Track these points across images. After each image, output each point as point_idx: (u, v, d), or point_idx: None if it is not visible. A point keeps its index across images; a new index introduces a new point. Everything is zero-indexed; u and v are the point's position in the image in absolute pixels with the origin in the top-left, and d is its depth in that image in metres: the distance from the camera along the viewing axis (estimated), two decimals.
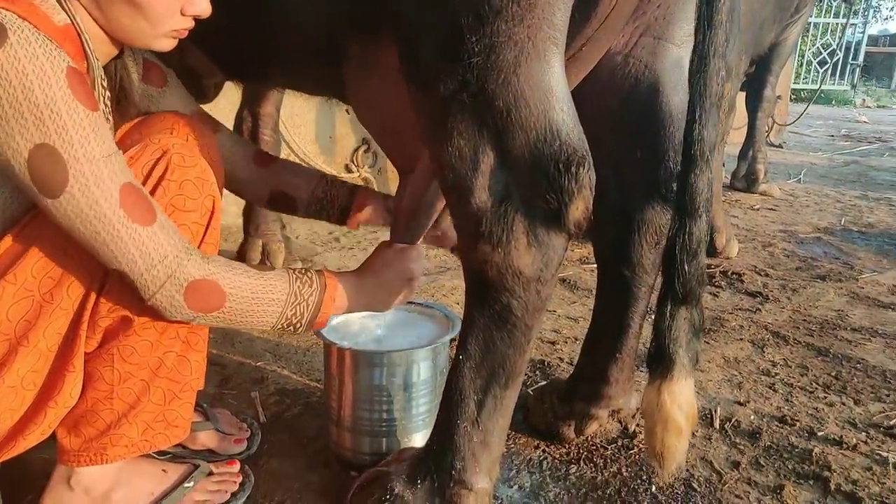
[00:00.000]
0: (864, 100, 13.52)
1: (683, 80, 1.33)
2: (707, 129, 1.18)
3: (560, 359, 2.03)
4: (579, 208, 1.12)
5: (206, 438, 1.49)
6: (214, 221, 1.20)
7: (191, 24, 1.14)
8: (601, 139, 1.22)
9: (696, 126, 1.19)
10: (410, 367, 1.40)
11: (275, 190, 1.47)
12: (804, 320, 2.38)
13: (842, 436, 1.65)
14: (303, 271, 1.19)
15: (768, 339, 2.21)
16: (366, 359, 1.40)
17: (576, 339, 2.18)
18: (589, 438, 1.60)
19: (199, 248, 1.18)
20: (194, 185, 1.16)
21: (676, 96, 1.32)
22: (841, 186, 4.93)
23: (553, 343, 2.14)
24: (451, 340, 1.50)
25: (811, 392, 1.88)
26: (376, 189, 3.94)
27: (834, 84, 12.39)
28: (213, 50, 1.65)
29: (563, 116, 1.11)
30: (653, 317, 1.25)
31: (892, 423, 1.73)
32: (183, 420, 1.27)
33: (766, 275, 2.88)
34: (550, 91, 1.10)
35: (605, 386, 1.51)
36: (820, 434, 1.66)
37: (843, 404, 1.82)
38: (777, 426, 1.69)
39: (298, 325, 1.18)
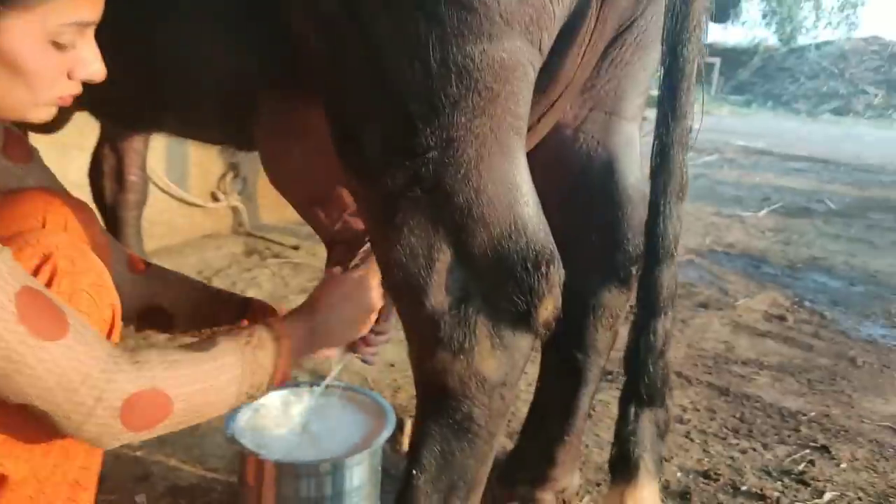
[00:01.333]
0: None
1: (636, 157, 1.29)
2: (673, 224, 1.12)
3: None
4: (548, 308, 1.03)
5: None
6: (115, 335, 1.01)
7: (78, 89, 0.96)
8: (550, 217, 1.15)
9: (661, 221, 1.13)
10: (344, 473, 1.25)
11: (150, 305, 1.25)
12: (699, 356, 2.44)
13: (762, 488, 1.68)
14: (250, 332, 1.01)
15: (673, 381, 2.23)
16: (291, 470, 1.24)
17: None
18: None
19: None
20: (89, 296, 0.96)
21: (632, 175, 1.26)
22: (696, 202, 5.21)
23: None
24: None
25: (723, 438, 1.91)
26: (246, 217, 3.71)
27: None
28: (92, 98, 1.43)
29: (528, 211, 1.02)
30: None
31: (800, 468, 1.78)
32: None
33: None
34: (514, 185, 1.01)
35: (551, 468, 1.43)
36: (743, 489, 1.68)
37: (754, 450, 1.86)
38: (703, 483, 1.69)
39: (259, 393, 1.01)
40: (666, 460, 1.77)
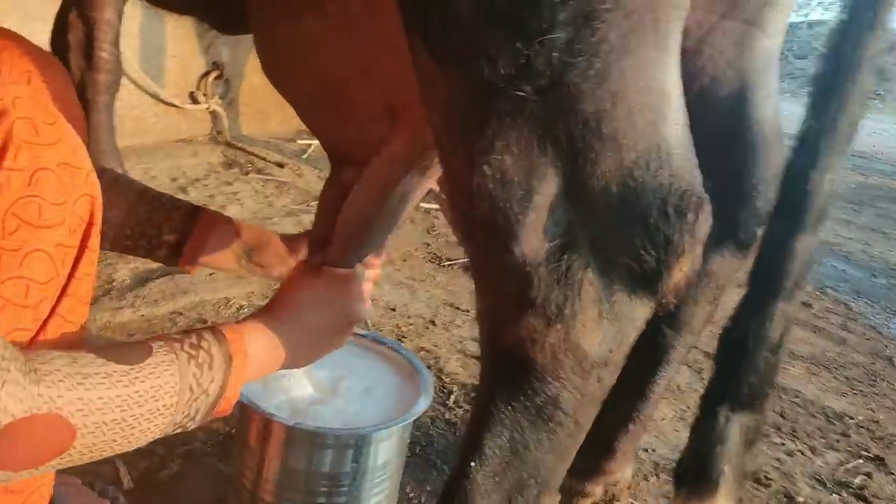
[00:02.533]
0: None
1: (775, 85, 1.01)
2: (831, 178, 0.87)
3: None
4: (684, 269, 0.76)
5: None
6: (93, 241, 0.71)
7: None
8: None
9: (815, 172, 0.87)
10: (368, 449, 0.98)
11: None
12: None
13: (819, 501, 1.47)
14: (196, 340, 0.71)
15: (702, 361, 2.01)
16: (305, 438, 0.97)
17: None
18: None
19: (66, 286, 0.69)
20: (57, 180, 0.67)
21: (769, 108, 0.99)
22: None
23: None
24: None
25: (766, 436, 1.69)
26: (226, 125, 3.32)
27: None
28: None
29: (677, 133, 0.74)
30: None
31: (857, 481, 1.57)
32: None
33: None
34: (665, 94, 0.73)
35: (608, 460, 1.19)
36: (799, 499, 1.46)
37: (802, 453, 1.65)
38: (754, 489, 1.47)
39: (189, 424, 0.72)
40: None
